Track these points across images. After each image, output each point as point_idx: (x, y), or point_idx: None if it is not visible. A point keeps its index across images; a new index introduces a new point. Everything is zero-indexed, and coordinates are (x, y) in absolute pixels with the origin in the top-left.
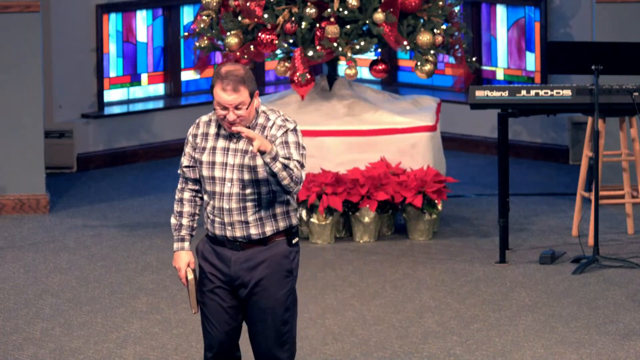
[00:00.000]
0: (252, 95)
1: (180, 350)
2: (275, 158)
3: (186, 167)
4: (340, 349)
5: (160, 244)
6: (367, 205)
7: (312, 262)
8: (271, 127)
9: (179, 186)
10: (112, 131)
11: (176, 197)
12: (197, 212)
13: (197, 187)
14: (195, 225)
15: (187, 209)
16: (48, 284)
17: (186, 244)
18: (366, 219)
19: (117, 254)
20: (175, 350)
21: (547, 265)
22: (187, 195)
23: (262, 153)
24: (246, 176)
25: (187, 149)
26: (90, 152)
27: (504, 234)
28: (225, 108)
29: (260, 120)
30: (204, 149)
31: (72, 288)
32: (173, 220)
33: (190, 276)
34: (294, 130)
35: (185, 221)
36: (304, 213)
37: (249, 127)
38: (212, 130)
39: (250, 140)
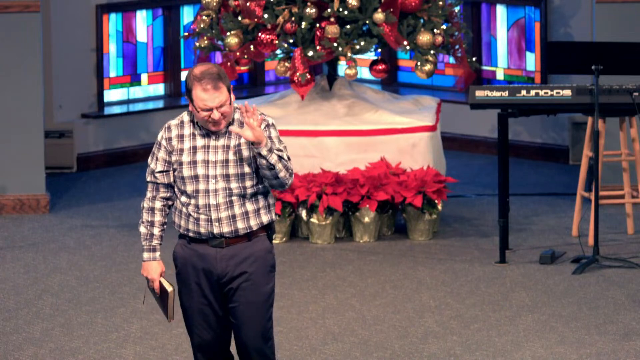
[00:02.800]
0: (229, 91)
1: (180, 350)
2: (271, 150)
3: (159, 172)
4: (340, 349)
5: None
6: (367, 205)
7: (312, 262)
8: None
9: (149, 194)
10: (112, 131)
11: (145, 205)
12: (166, 221)
13: (167, 195)
14: (163, 235)
15: (158, 218)
16: (48, 284)
17: (158, 254)
18: (366, 219)
19: (117, 254)
20: (175, 350)
21: (547, 265)
22: (158, 204)
23: (258, 144)
24: (232, 170)
25: (160, 154)
26: (90, 152)
27: (504, 234)
28: (209, 109)
29: (237, 115)
30: (182, 150)
31: (72, 288)
32: (143, 230)
33: (170, 289)
34: (273, 125)
35: (156, 231)
36: (304, 213)
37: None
38: (187, 131)
39: (245, 131)
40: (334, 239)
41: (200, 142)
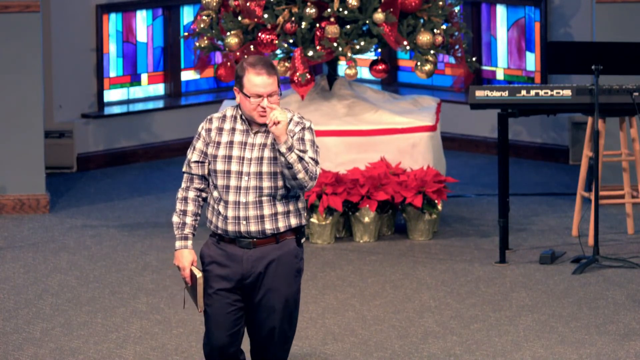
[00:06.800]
0: (278, 86)
1: (180, 350)
2: (290, 148)
3: (195, 162)
4: (340, 349)
5: (160, 244)
6: (367, 205)
7: (312, 262)
8: (288, 123)
9: (184, 185)
10: (112, 131)
11: (179, 195)
12: (199, 212)
13: (202, 186)
14: (197, 225)
15: (191, 207)
16: (48, 284)
17: (189, 243)
18: (366, 219)
19: (117, 254)
20: (175, 350)
21: (547, 265)
22: (191, 194)
23: (278, 141)
24: (265, 168)
25: (198, 145)
26: (90, 152)
27: (504, 234)
28: (259, 96)
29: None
30: (219, 143)
31: (72, 288)
32: (176, 219)
33: (199, 274)
34: (310, 128)
35: (189, 220)
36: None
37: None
38: (227, 125)
39: (274, 125)
40: (334, 239)
41: (238, 137)
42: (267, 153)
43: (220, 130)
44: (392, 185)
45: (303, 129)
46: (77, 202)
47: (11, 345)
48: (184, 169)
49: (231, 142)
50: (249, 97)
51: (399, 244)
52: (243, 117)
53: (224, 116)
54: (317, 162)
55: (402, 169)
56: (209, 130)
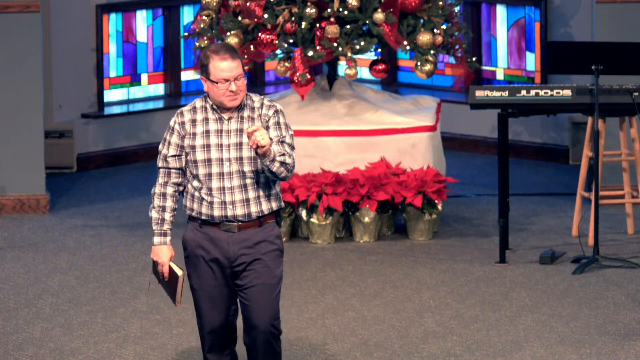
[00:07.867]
0: (243, 69)
1: (180, 350)
2: (273, 159)
3: (172, 156)
4: (340, 349)
5: None
6: (367, 205)
7: (312, 262)
8: (260, 107)
9: (160, 180)
10: (112, 131)
11: (157, 190)
12: (176, 207)
13: (179, 180)
14: (174, 221)
15: (169, 203)
16: (48, 284)
17: (168, 239)
18: (366, 219)
19: (117, 254)
20: (175, 350)
21: (547, 265)
22: (170, 190)
23: (262, 156)
24: (245, 154)
25: (173, 139)
26: (90, 152)
27: (504, 234)
28: (226, 80)
29: (247, 100)
30: (194, 134)
31: (72, 288)
32: (154, 214)
33: (180, 273)
34: (282, 111)
35: (167, 216)
36: (304, 213)
37: (240, 106)
38: (199, 116)
39: (251, 137)
40: (334, 239)
41: (213, 126)
42: (245, 138)
43: (193, 121)
44: (392, 185)
45: (276, 112)
46: (77, 202)
47: (11, 345)
48: (159, 164)
49: (207, 131)
50: (217, 82)
51: (399, 244)
52: (213, 106)
53: (194, 108)
54: (293, 147)
55: (402, 169)
56: (182, 124)
